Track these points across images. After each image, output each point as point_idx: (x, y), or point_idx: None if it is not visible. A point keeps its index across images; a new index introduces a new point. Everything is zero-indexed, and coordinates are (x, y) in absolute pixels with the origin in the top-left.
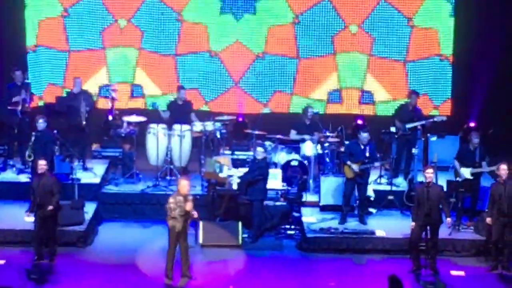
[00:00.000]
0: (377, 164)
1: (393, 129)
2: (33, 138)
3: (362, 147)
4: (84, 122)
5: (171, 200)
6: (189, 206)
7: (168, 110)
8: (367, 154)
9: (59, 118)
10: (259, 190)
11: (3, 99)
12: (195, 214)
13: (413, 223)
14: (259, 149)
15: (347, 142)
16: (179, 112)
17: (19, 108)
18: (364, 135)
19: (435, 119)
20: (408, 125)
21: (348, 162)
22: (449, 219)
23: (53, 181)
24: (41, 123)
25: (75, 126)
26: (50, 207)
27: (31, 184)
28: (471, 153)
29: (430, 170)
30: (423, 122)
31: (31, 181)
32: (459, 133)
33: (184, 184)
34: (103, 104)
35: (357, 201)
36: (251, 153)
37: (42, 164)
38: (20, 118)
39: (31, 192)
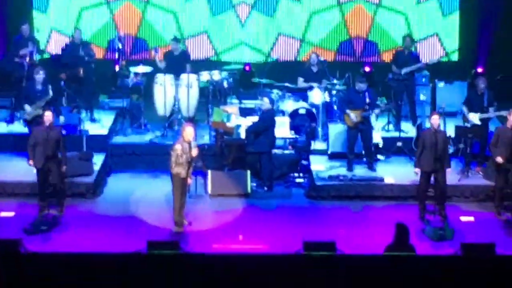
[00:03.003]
0: (377, 110)
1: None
2: (51, 93)
3: (361, 94)
4: (81, 73)
5: (177, 147)
6: (194, 152)
7: (164, 61)
8: (367, 100)
9: (65, 70)
10: (266, 141)
11: (10, 51)
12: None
13: (417, 169)
14: (265, 99)
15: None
16: (175, 63)
17: (27, 60)
18: (361, 85)
19: (428, 62)
20: (404, 70)
21: (347, 111)
22: (449, 169)
23: (59, 132)
24: (41, 75)
25: (76, 76)
26: (64, 167)
27: (32, 136)
28: (479, 99)
29: (435, 116)
30: (418, 65)
31: (30, 132)
32: (467, 78)
33: (189, 131)
34: (110, 55)
35: (363, 149)
36: (258, 101)
37: (49, 115)
38: (27, 70)
39: (31, 144)
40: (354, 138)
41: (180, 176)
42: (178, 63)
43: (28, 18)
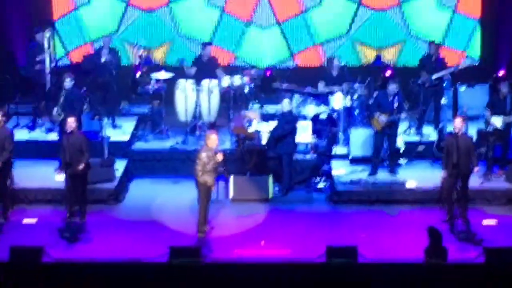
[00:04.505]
0: (404, 115)
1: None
2: (62, 97)
3: (390, 98)
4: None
5: (203, 155)
6: (220, 157)
7: (193, 67)
8: (395, 105)
9: (87, 76)
10: (288, 143)
11: (29, 59)
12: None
13: (444, 172)
14: (285, 100)
15: (375, 94)
16: (205, 69)
17: (48, 64)
18: (393, 87)
19: (461, 65)
20: (434, 76)
21: (377, 114)
22: (476, 168)
23: (82, 139)
24: (68, 82)
25: (102, 83)
26: (81, 166)
27: (60, 143)
28: (501, 102)
29: (458, 120)
30: (450, 70)
31: (60, 139)
32: (489, 82)
33: (214, 138)
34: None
35: (387, 153)
36: (279, 107)
37: (71, 122)
38: (51, 76)
39: (61, 151)
40: (381, 142)
41: (207, 184)
42: (207, 68)
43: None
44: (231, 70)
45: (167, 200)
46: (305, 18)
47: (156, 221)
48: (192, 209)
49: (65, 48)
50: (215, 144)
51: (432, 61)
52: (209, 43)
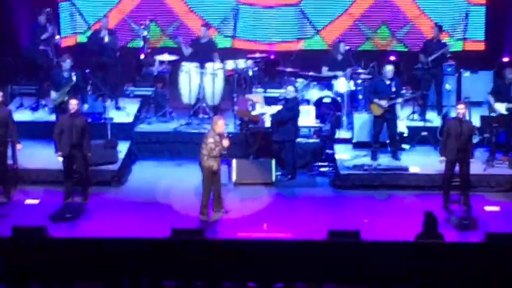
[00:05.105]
0: (399, 100)
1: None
2: (74, 79)
3: (388, 82)
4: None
5: (210, 140)
6: (226, 143)
7: (190, 48)
8: (393, 89)
9: (91, 57)
10: (289, 130)
11: (31, 40)
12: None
13: (443, 157)
14: (290, 88)
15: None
16: (202, 51)
17: (52, 42)
18: (389, 68)
19: (448, 47)
20: (430, 57)
21: (375, 100)
22: (472, 160)
23: (85, 121)
24: (67, 63)
25: (106, 65)
26: (89, 154)
27: (58, 123)
28: (506, 88)
29: (461, 106)
30: (442, 50)
31: (57, 120)
32: (493, 68)
33: (221, 124)
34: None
35: (388, 138)
36: (283, 90)
37: (74, 103)
38: (51, 58)
39: (57, 132)
40: (380, 128)
41: (213, 169)
42: (204, 51)
43: (52, 7)
44: (232, 54)
45: (170, 182)
46: None
47: (159, 203)
48: (195, 191)
49: (69, 29)
50: (222, 129)
51: (434, 43)
52: (209, 25)
